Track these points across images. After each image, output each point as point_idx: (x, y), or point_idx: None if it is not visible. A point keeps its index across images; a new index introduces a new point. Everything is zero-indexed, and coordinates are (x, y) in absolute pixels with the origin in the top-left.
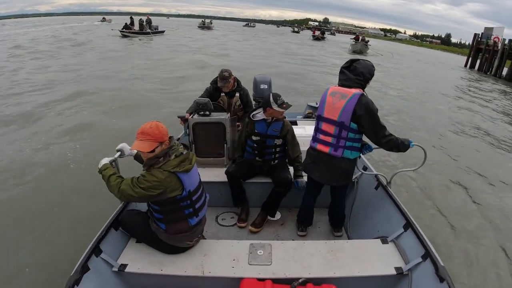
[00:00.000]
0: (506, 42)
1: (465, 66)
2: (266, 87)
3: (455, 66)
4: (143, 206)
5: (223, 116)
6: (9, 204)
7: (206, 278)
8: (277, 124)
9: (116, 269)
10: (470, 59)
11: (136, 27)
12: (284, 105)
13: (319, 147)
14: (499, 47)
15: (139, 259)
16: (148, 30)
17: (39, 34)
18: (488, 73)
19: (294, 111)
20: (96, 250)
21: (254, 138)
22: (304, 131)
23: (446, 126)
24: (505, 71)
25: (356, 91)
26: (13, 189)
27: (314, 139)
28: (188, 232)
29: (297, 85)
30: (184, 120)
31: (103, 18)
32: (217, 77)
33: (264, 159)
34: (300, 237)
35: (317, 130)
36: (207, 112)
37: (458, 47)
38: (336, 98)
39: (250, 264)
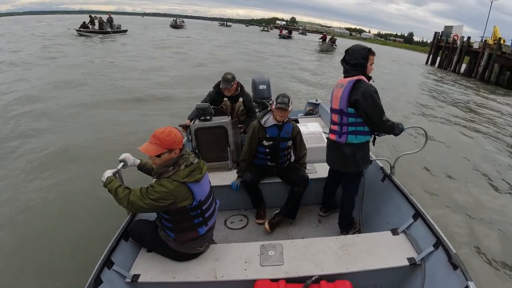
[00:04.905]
0: (465, 39)
1: (426, 63)
2: (265, 87)
3: (417, 63)
4: (151, 216)
5: (224, 120)
6: (18, 221)
7: (219, 282)
8: (288, 126)
9: (129, 280)
10: (431, 56)
11: (97, 26)
12: (279, 105)
13: (330, 136)
14: (458, 45)
15: (151, 269)
16: (109, 29)
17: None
18: (447, 69)
19: (295, 109)
20: (108, 263)
21: (266, 143)
22: (306, 129)
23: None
24: (463, 67)
25: (352, 78)
26: (20, 207)
27: (329, 129)
28: (198, 240)
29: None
30: (185, 127)
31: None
32: (219, 81)
33: (277, 162)
34: (311, 233)
35: (330, 121)
36: (208, 117)
37: (421, 46)
38: (338, 89)
39: (262, 266)
